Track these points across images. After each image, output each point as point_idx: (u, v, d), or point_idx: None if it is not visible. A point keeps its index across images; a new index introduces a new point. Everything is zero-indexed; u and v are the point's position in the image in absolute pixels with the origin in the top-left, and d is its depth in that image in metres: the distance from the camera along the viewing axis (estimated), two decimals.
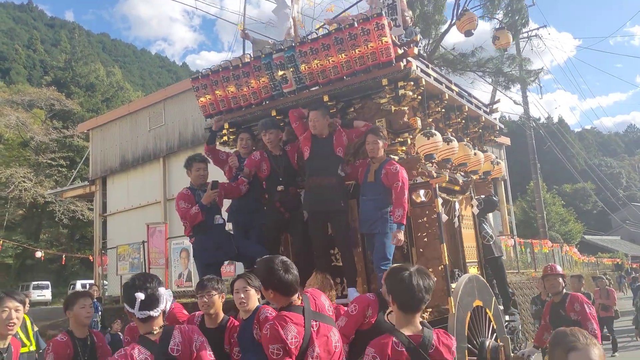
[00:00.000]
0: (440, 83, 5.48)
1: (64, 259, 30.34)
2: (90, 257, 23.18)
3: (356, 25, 4.81)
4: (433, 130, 4.90)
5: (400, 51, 4.92)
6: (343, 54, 4.90)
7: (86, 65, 51.68)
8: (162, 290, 2.68)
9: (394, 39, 5.02)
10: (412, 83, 4.86)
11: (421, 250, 5.02)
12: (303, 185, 5.30)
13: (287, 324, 2.78)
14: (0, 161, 36.75)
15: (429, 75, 5.22)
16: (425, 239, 4.99)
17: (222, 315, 3.88)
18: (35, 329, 6.74)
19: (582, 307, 5.19)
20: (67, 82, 47.10)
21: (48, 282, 33.10)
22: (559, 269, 5.70)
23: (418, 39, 5.49)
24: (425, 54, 12.63)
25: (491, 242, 6.58)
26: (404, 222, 4.61)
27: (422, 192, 5.01)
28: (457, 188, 5.73)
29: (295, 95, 5.34)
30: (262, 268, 2.98)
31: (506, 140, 21.73)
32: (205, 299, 3.80)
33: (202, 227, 5.12)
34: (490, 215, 7.40)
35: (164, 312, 2.69)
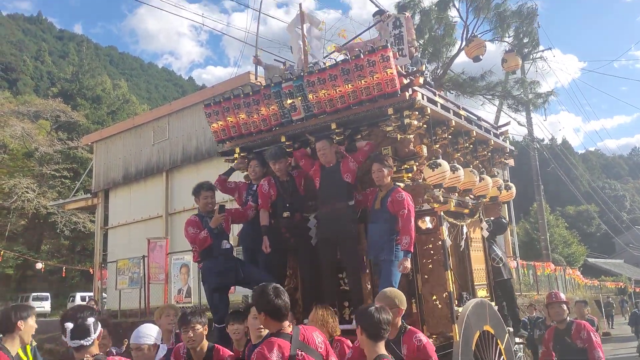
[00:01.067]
0: (448, 110, 5.50)
1: (64, 271, 30.30)
2: (91, 270, 23.11)
3: (362, 56, 4.90)
4: (439, 161, 4.92)
5: (406, 81, 4.96)
6: (349, 84, 4.99)
7: (93, 78, 52.04)
8: (91, 320, 2.78)
9: (399, 69, 5.09)
10: (417, 112, 4.90)
11: (426, 277, 5.03)
12: (310, 210, 5.41)
13: (274, 349, 2.90)
14: (4, 171, 36.84)
15: (435, 102, 5.25)
16: (430, 266, 5.01)
17: (206, 345, 3.83)
18: (34, 343, 6.67)
19: (589, 335, 5.21)
20: (74, 94, 47.47)
21: (48, 294, 33.01)
22: (562, 296, 5.68)
23: (424, 69, 5.54)
24: (432, 77, 12.62)
25: (501, 265, 6.59)
26: (411, 250, 4.62)
27: (427, 219, 5.02)
28: (465, 211, 5.73)
29: (304, 122, 5.41)
30: (256, 292, 3.17)
31: (510, 161, 21.70)
32: (190, 334, 3.74)
33: (210, 252, 5.20)
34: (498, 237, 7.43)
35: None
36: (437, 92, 5.59)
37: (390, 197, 4.77)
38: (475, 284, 5.67)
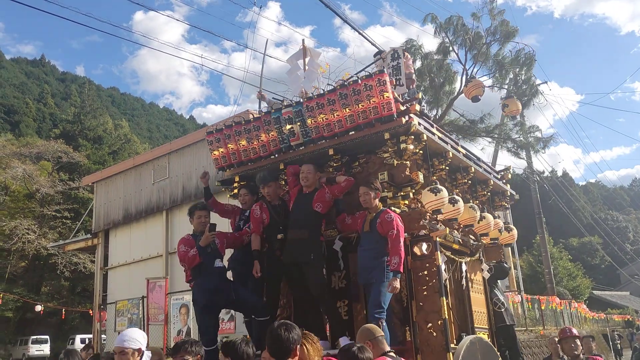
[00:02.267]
0: (446, 142, 5.55)
1: (63, 313, 29.95)
2: (90, 312, 22.86)
3: (360, 81, 5.00)
4: (439, 187, 4.94)
5: (402, 107, 5.03)
6: (347, 109, 5.08)
7: (95, 119, 52.55)
8: None
9: (396, 95, 5.18)
10: (412, 137, 4.96)
11: (421, 304, 4.95)
12: None
13: None
14: (5, 213, 36.80)
15: (432, 133, 5.30)
16: (425, 292, 4.93)
17: None
18: None
19: None
20: (76, 135, 47.90)
21: (47, 337, 32.55)
22: (575, 331, 5.57)
23: (420, 96, 5.64)
24: (431, 121, 12.71)
25: (502, 310, 6.47)
26: (401, 270, 4.59)
27: (424, 245, 4.99)
28: (466, 250, 5.69)
29: (303, 148, 5.48)
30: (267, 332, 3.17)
31: (516, 197, 21.66)
32: None
33: (201, 270, 5.17)
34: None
35: None
36: (435, 125, 5.65)
37: (379, 218, 4.79)
38: (475, 326, 5.57)
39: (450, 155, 5.54)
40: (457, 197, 5.19)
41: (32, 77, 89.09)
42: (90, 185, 23.18)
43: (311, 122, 5.28)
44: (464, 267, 5.59)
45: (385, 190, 5.10)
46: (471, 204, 5.65)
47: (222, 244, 5.38)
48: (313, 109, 5.24)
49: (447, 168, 5.72)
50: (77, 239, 23.59)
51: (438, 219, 5.13)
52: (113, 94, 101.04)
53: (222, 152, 5.94)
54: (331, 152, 5.30)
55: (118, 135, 54.79)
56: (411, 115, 5.01)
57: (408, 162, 5.11)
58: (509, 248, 20.89)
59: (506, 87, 12.59)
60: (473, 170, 6.01)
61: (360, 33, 15.35)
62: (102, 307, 17.73)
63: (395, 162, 5.07)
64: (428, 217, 5.03)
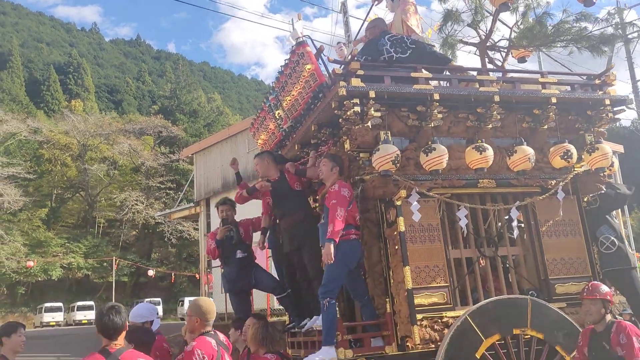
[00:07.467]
0: (445, 81, 5.22)
1: (173, 277, 31.98)
2: (197, 275, 24.23)
3: (290, 59, 4.95)
4: (384, 145, 4.51)
5: (340, 70, 4.68)
6: (295, 86, 5.01)
7: (189, 93, 54.78)
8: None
9: (331, 59, 4.93)
10: (356, 99, 4.54)
11: (392, 274, 4.67)
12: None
13: None
14: (115, 186, 39.66)
15: (415, 79, 4.81)
16: (394, 263, 4.64)
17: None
18: None
19: (629, 340, 3.90)
20: (173, 110, 50.25)
21: (159, 299, 34.96)
22: (604, 289, 4.15)
23: (356, 53, 5.03)
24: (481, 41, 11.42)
25: (612, 250, 5.26)
26: (334, 238, 4.38)
27: (414, 205, 4.55)
28: (511, 191, 5.05)
29: (295, 129, 5.51)
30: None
31: (619, 148, 20.21)
32: None
33: (224, 260, 5.68)
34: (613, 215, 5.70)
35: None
36: (418, 66, 5.00)
37: (328, 192, 4.63)
38: (553, 277, 4.93)
39: (437, 96, 4.73)
40: (432, 146, 4.58)
41: (130, 56, 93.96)
42: (190, 157, 24.31)
43: (285, 104, 5.30)
44: (513, 213, 4.95)
45: (357, 158, 4.81)
46: (478, 143, 4.81)
47: (248, 231, 5.78)
48: (280, 92, 5.30)
49: (444, 110, 4.91)
50: (180, 207, 24.91)
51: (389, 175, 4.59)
52: (204, 68, 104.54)
53: (259, 143, 6.33)
54: (314, 127, 5.14)
55: (211, 108, 56.86)
56: (359, 74, 4.56)
57: (369, 124, 4.64)
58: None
59: None
60: (498, 99, 4.96)
61: None
62: (208, 270, 18.73)
63: (355, 127, 4.67)
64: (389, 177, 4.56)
